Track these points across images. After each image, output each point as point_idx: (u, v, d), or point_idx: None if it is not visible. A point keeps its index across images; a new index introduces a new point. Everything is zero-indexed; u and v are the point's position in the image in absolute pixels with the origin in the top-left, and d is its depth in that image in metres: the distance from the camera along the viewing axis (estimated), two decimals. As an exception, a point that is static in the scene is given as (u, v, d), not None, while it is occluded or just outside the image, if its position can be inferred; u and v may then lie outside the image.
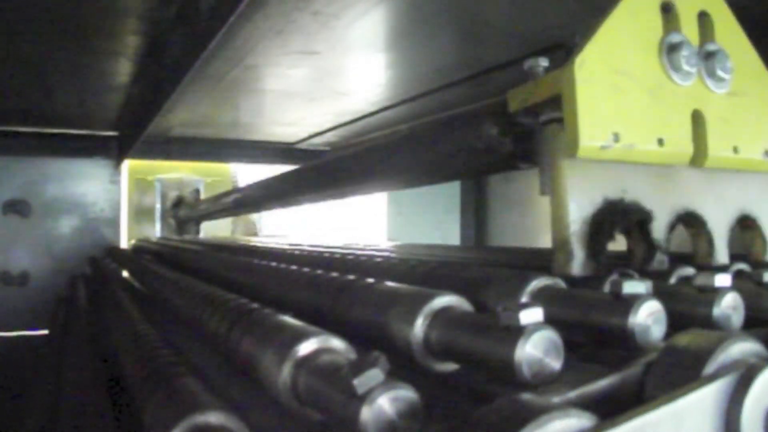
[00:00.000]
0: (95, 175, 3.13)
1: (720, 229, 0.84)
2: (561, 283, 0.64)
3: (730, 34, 0.87)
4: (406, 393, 0.41)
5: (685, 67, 0.77)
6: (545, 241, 3.31)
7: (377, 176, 1.23)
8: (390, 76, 2.16)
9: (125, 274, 2.16)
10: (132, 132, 2.65)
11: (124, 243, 3.30)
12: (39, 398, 1.12)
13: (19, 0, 1.49)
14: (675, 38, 0.78)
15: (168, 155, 3.34)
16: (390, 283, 0.67)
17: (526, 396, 0.35)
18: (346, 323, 0.65)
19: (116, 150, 3.15)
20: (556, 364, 0.46)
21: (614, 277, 0.66)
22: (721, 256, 0.84)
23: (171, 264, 1.70)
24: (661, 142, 0.76)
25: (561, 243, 0.71)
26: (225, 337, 0.67)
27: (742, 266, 0.78)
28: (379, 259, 0.95)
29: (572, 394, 0.43)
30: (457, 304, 0.56)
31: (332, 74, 2.11)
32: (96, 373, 0.98)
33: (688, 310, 0.59)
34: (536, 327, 0.45)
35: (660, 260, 0.77)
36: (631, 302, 0.52)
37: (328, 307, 0.70)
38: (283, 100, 2.47)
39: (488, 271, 0.69)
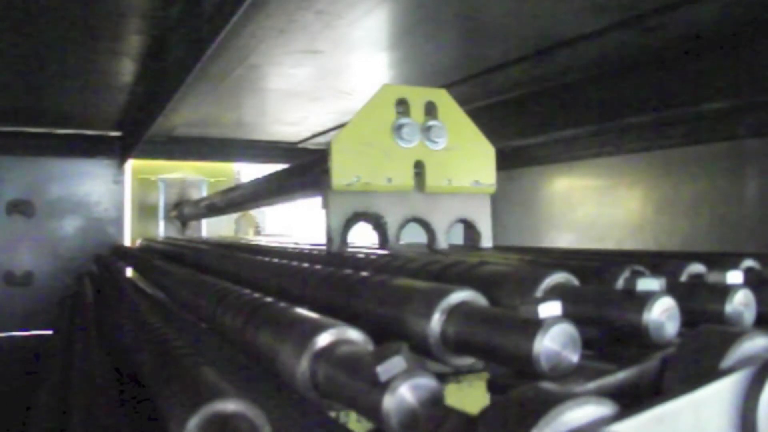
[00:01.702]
0: (99, 175, 3.13)
1: (441, 227, 1.42)
2: (574, 280, 0.64)
3: (450, 112, 1.44)
4: (428, 381, 0.42)
5: (406, 137, 1.35)
6: (548, 240, 3.28)
7: (273, 196, 1.94)
8: (393, 75, 2.16)
9: (134, 271, 2.17)
10: (135, 132, 2.65)
11: (128, 242, 3.30)
12: (48, 391, 1.12)
13: (23, 0, 1.49)
14: (402, 120, 1.35)
15: (171, 155, 3.35)
16: (405, 279, 0.67)
17: (550, 384, 0.36)
18: (360, 319, 0.65)
19: (119, 150, 3.16)
20: (573, 357, 0.46)
21: (627, 274, 0.68)
22: (442, 243, 1.42)
23: (180, 262, 1.71)
24: (390, 180, 1.35)
25: (328, 235, 1.29)
26: (240, 330, 0.68)
27: (751, 263, 0.79)
28: (389, 258, 0.96)
29: (591, 385, 0.44)
30: (473, 299, 0.57)
31: (335, 73, 2.11)
32: (106, 365, 0.98)
33: (700, 307, 0.60)
34: (555, 320, 0.46)
35: (393, 244, 1.34)
36: (645, 299, 0.53)
37: (342, 303, 0.70)
38: (286, 99, 2.47)
39: (502, 269, 0.70)
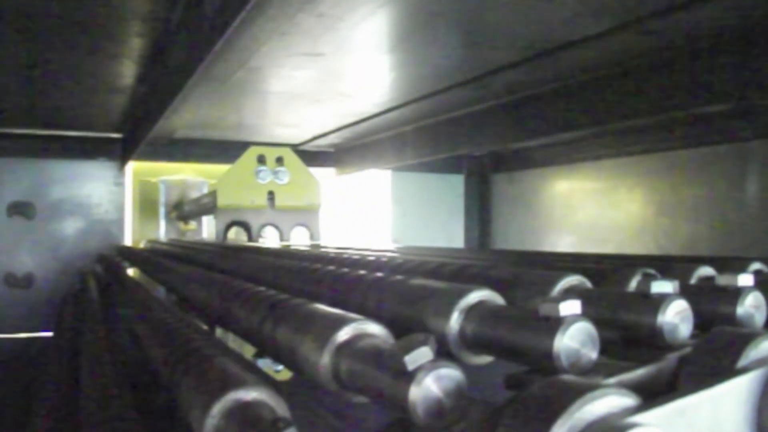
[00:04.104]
0: (99, 177, 3.14)
1: (286, 229, 2.62)
2: (587, 283, 0.65)
3: (293, 162, 2.67)
4: (453, 371, 0.43)
5: (262, 177, 2.60)
6: (550, 242, 3.29)
7: (199, 210, 3.22)
8: (394, 77, 2.16)
9: (139, 270, 2.17)
10: (136, 134, 2.66)
11: (128, 244, 3.30)
12: (54, 387, 1.12)
13: (25, 3, 1.49)
14: (260, 168, 2.58)
15: (172, 157, 3.35)
16: (422, 279, 0.68)
17: (572, 377, 0.36)
18: (377, 319, 0.65)
19: (120, 152, 3.16)
20: (592, 354, 0.47)
21: (639, 277, 0.69)
22: (288, 239, 2.56)
23: (187, 262, 1.71)
24: (253, 201, 2.56)
25: (216, 235, 2.54)
26: (258, 326, 0.68)
27: (759, 266, 0.80)
28: (401, 260, 0.96)
29: (610, 381, 0.45)
30: (491, 298, 0.58)
31: (336, 76, 2.11)
32: (115, 360, 0.98)
33: (712, 309, 0.60)
34: (575, 319, 0.46)
35: (256, 239, 2.51)
36: (659, 301, 0.53)
37: (358, 302, 0.71)
38: (288, 101, 2.48)
39: (517, 271, 0.70)
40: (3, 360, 2.84)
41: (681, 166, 2.60)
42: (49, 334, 2.47)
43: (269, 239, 2.71)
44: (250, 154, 2.62)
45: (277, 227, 2.63)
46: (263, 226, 2.60)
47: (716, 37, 1.60)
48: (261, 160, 2.60)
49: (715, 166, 2.46)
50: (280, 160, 2.59)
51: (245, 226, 2.61)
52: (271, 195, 2.59)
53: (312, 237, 2.69)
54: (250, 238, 2.57)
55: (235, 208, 2.55)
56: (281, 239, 2.61)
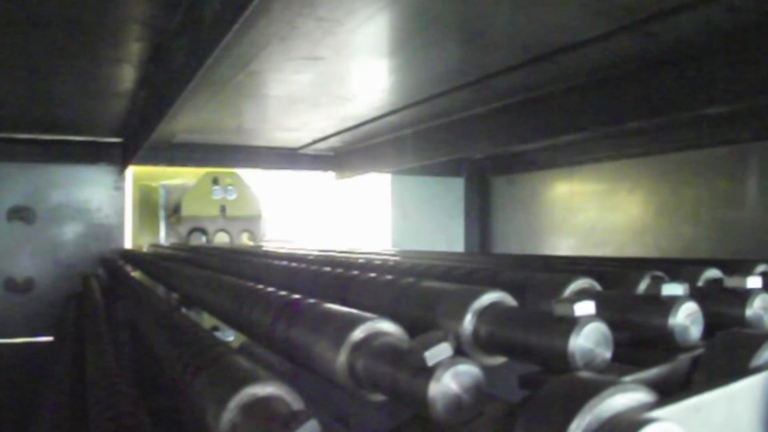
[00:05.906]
0: (99, 182, 3.14)
1: (234, 234, 3.68)
2: (597, 286, 0.66)
3: (239, 182, 3.73)
4: (471, 368, 0.43)
5: (216, 194, 3.62)
6: (551, 245, 3.28)
7: (174, 218, 3.85)
8: (394, 81, 2.16)
9: (143, 273, 2.17)
10: (136, 138, 2.66)
11: (130, 248, 3.31)
12: (59, 385, 1.12)
13: (24, 7, 1.49)
14: (215, 187, 3.69)
15: (172, 161, 3.35)
16: (434, 282, 0.68)
17: (589, 374, 0.37)
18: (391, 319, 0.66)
19: (120, 156, 3.16)
20: (606, 354, 0.48)
21: (647, 280, 0.69)
22: (236, 242, 3.71)
23: (192, 266, 1.71)
24: (209, 212, 3.63)
25: (181, 238, 3.60)
26: (270, 327, 0.68)
27: (765, 268, 0.80)
28: (409, 264, 0.96)
29: (626, 379, 0.45)
30: (503, 300, 0.58)
31: (336, 80, 2.12)
32: (121, 358, 0.98)
33: (721, 311, 0.61)
34: (589, 319, 0.47)
35: (211, 240, 3.64)
36: (670, 303, 0.54)
37: (370, 304, 0.71)
38: (287, 105, 2.48)
39: (526, 274, 0.71)
40: (3, 364, 2.84)
41: (681, 168, 2.60)
42: (50, 339, 2.47)
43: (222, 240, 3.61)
44: (208, 176, 3.54)
45: (227, 232, 3.60)
46: (217, 231, 3.58)
47: (714, 39, 1.60)
48: (215, 181, 3.56)
49: (714, 167, 2.46)
50: (229, 180, 3.60)
51: (203, 231, 3.54)
52: (222, 208, 3.56)
53: (254, 239, 3.63)
54: (207, 242, 3.49)
55: (195, 217, 3.50)
56: (231, 242, 3.55)
